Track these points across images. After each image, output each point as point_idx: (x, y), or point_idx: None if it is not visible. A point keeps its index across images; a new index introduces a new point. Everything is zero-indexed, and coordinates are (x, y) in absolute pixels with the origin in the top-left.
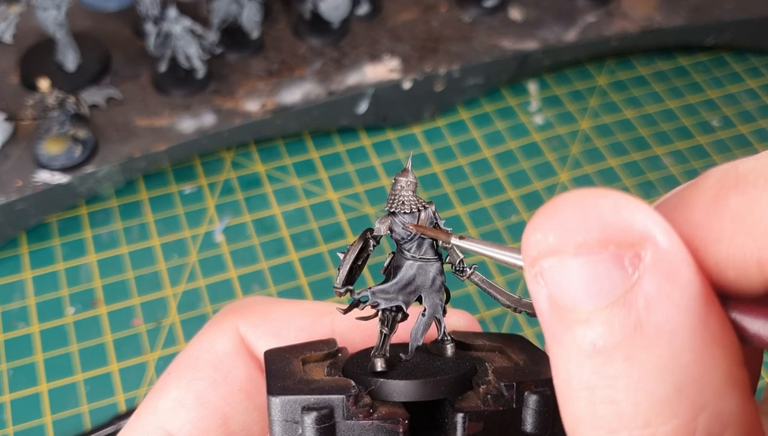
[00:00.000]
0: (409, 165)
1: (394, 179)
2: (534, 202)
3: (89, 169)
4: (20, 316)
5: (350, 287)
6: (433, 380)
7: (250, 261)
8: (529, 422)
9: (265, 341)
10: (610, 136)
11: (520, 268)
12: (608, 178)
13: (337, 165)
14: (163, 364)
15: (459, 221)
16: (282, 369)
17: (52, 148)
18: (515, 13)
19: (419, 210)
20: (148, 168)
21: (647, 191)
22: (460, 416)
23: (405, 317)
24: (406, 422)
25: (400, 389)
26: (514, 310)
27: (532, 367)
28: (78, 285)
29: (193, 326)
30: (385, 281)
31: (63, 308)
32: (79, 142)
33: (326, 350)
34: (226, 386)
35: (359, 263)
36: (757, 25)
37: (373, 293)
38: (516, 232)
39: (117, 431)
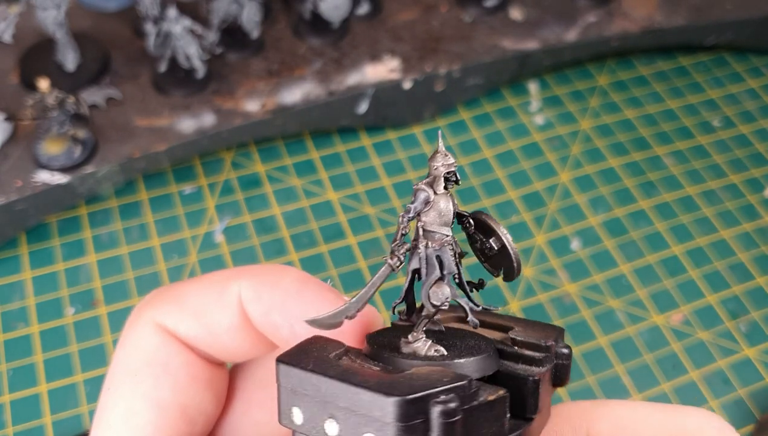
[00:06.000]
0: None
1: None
2: (534, 202)
3: (89, 169)
4: (20, 316)
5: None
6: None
7: (250, 261)
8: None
9: (185, 324)
10: (610, 136)
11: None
12: (608, 179)
13: (337, 165)
14: None
15: None
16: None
17: (51, 148)
18: (515, 13)
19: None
20: (148, 168)
21: (647, 191)
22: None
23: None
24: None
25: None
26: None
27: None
28: (78, 285)
29: None
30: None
31: (63, 308)
32: (78, 143)
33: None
34: (169, 377)
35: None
36: (758, 25)
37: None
38: (516, 232)
39: None
